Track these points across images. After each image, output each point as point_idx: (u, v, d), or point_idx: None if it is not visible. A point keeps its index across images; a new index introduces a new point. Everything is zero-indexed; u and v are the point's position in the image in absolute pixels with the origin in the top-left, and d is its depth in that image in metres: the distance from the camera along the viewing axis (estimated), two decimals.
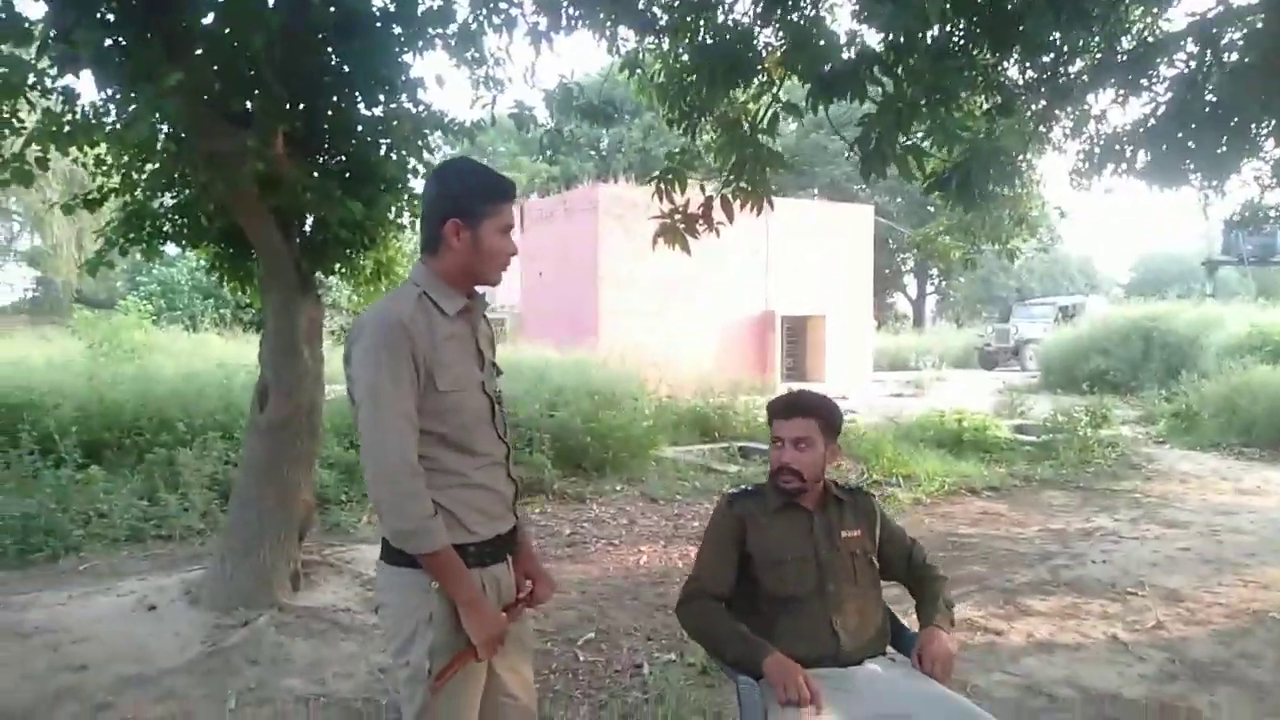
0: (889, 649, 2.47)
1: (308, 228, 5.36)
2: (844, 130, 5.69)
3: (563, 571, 5.41)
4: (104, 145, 4.20)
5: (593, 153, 38.12)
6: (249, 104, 4.48)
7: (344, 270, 6.19)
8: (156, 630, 4.18)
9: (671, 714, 3.41)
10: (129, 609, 4.44)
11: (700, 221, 5.66)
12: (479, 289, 2.06)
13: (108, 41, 3.70)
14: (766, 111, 5.32)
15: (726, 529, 2.43)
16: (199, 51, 4.03)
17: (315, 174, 5.04)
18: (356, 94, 5.14)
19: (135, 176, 4.91)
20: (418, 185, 5.92)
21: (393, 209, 5.82)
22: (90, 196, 5.01)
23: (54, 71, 3.68)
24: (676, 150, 5.90)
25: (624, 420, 8.97)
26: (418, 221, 5.96)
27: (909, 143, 4.71)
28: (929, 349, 28.00)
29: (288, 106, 4.70)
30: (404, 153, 5.63)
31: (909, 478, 8.41)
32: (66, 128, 3.78)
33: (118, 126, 3.92)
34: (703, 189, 5.75)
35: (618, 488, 7.93)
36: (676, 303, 16.43)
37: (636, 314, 15.91)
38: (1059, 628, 4.50)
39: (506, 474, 2.04)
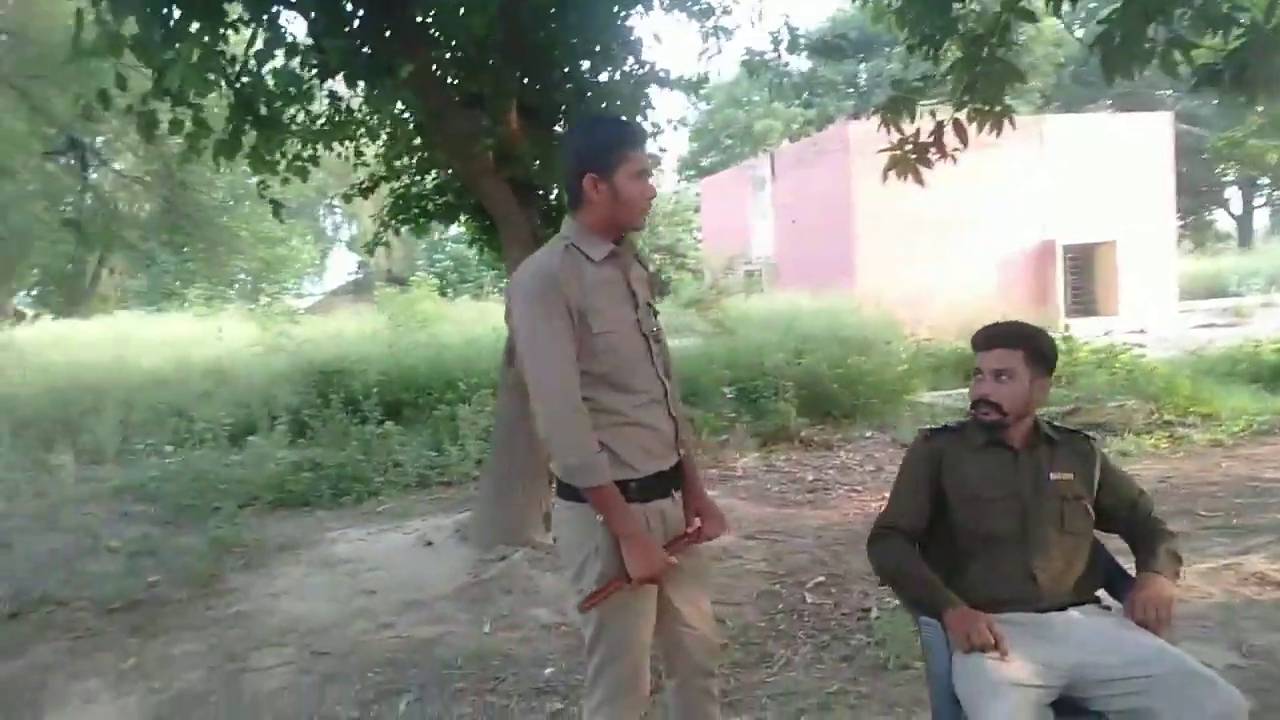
0: (1104, 596, 2.27)
1: (552, 196, 5.68)
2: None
3: (800, 518, 5.42)
4: (364, 138, 4.72)
5: (850, 90, 36.67)
6: (480, 85, 4.83)
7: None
8: (432, 563, 4.75)
9: (893, 658, 3.35)
10: (412, 545, 5.08)
11: (933, 149, 5.33)
12: (629, 235, 2.14)
13: (352, 45, 4.16)
14: (999, 21, 4.87)
15: (921, 464, 2.33)
16: (429, 42, 4.41)
17: (546, 144, 5.34)
18: (581, 62, 5.36)
19: (396, 164, 5.50)
20: (652, 147, 6.13)
21: None
22: (364, 186, 5.69)
23: (315, 78, 4.21)
24: (917, 78, 5.53)
25: (875, 365, 8.71)
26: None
27: (1171, 34, 4.14)
28: (1255, 271, 24.29)
29: (520, 82, 5.02)
30: (631, 114, 5.82)
31: (1208, 417, 7.45)
32: (327, 126, 4.30)
33: (368, 121, 4.41)
34: (933, 115, 5.39)
35: (867, 434, 7.75)
36: (941, 240, 15.55)
37: (897, 255, 15.27)
38: None
39: (667, 412, 2.10)
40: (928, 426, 2.45)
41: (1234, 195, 40.81)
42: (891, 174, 5.40)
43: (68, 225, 20.11)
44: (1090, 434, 2.38)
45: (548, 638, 3.80)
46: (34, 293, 31.03)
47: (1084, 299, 16.99)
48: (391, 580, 4.56)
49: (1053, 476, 2.24)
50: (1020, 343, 2.27)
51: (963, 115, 5.15)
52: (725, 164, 32.01)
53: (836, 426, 7.99)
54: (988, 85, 5.08)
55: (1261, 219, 42.37)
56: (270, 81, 4.05)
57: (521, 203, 5.21)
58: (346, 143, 4.58)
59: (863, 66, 35.54)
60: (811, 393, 8.06)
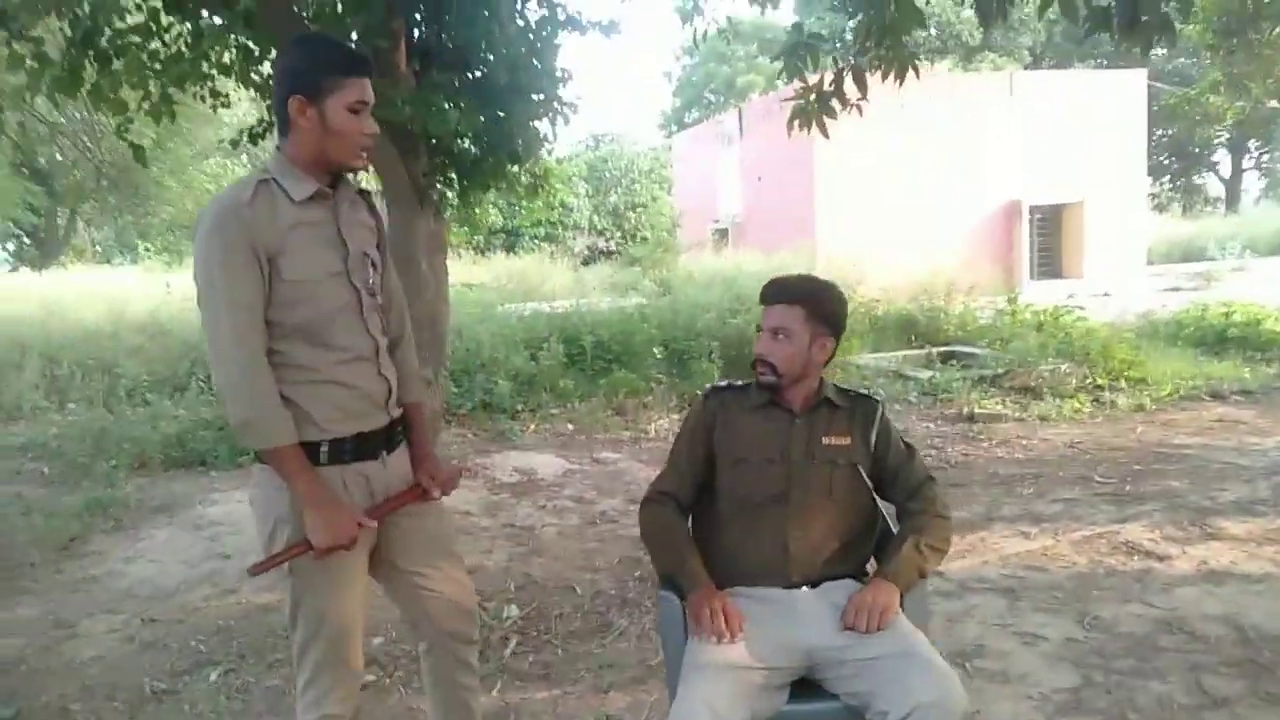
0: (873, 568, 2.13)
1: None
2: None
3: None
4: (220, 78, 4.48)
5: (837, 45, 36.08)
6: (344, 22, 4.59)
7: (500, 185, 6.30)
8: None
9: None
10: None
11: (834, 99, 5.10)
12: (350, 177, 1.96)
13: None
14: None
15: (698, 423, 2.18)
16: None
17: (440, 91, 5.11)
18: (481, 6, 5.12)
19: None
20: (568, 96, 5.89)
21: (536, 122, 5.82)
22: (254, 131, 5.43)
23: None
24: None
25: None
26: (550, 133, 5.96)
27: None
28: (1234, 235, 24.03)
29: (402, 19, 4.77)
30: (535, 62, 5.60)
31: (1140, 382, 7.32)
32: (169, 62, 4.07)
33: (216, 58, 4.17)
34: (835, 63, 5.16)
35: None
36: (906, 199, 15.29)
37: (857, 214, 15.02)
38: (1248, 555, 3.73)
39: (377, 370, 1.92)
40: (712, 383, 2.28)
41: (1223, 158, 40.44)
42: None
43: (33, 176, 19.86)
44: (876, 396, 2.21)
45: (388, 608, 3.66)
46: (9, 245, 30.69)
47: (1050, 261, 16.79)
48: (251, 545, 4.40)
49: (825, 441, 2.08)
50: (801, 300, 2.10)
51: (864, 63, 4.91)
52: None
53: None
54: (888, 31, 4.84)
55: (1252, 183, 42.01)
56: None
57: (403, 153, 4.99)
58: (202, 83, 4.34)
59: (852, 23, 34.92)
60: (740, 353, 7.88)
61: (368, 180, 5.68)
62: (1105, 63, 29.50)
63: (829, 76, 5.10)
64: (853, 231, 14.72)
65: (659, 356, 8.04)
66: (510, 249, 18.63)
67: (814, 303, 2.10)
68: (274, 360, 1.79)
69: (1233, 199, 39.30)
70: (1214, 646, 2.95)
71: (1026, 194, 16.03)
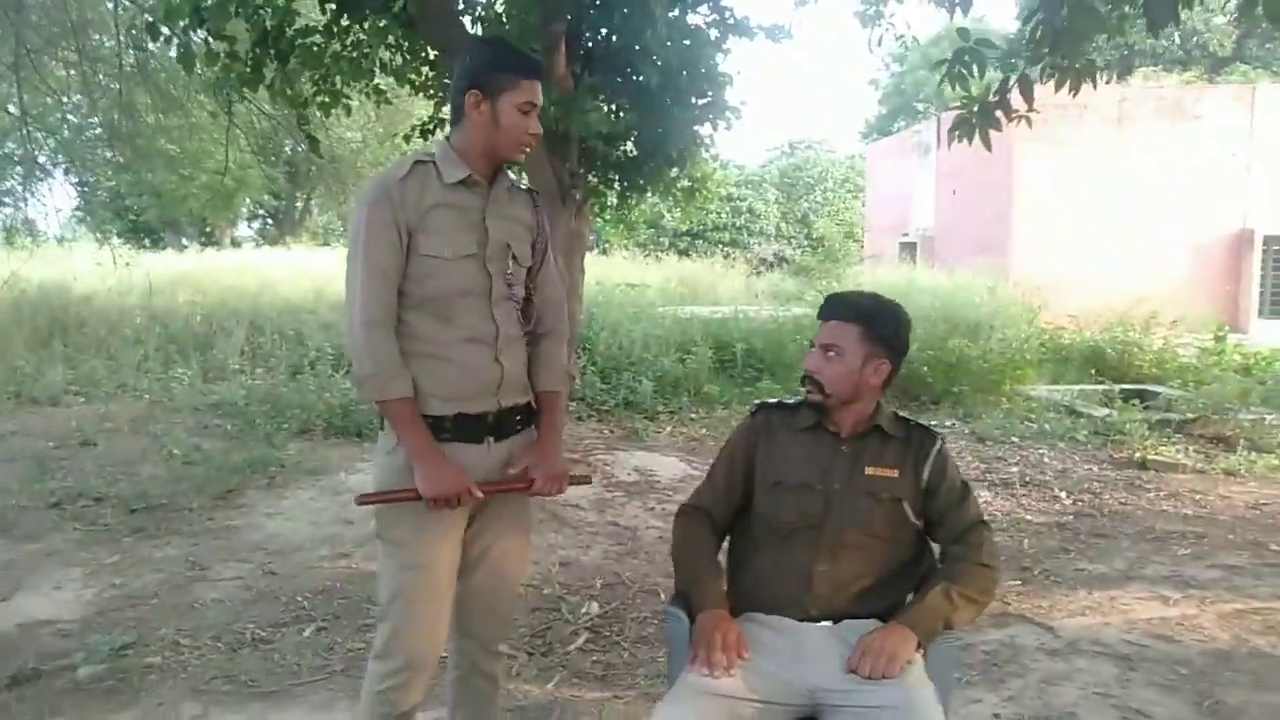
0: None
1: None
2: None
3: None
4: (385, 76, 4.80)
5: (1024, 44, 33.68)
6: (508, 26, 4.79)
7: (659, 188, 6.39)
8: None
9: None
10: None
11: (999, 110, 4.77)
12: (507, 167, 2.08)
13: None
14: None
15: (741, 440, 2.10)
16: None
17: (597, 93, 5.23)
18: (640, 10, 5.20)
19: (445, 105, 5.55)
20: (732, 99, 5.89)
21: (698, 126, 5.87)
22: (424, 126, 5.79)
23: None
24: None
25: (980, 351, 8.04)
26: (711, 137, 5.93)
27: None
28: None
29: (567, 24, 4.92)
30: (709, 64, 5.65)
31: None
32: (339, 61, 4.40)
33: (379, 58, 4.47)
34: (1003, 70, 4.83)
35: (948, 423, 7.18)
36: (1116, 221, 14.06)
37: (1058, 234, 13.96)
38: None
39: (494, 357, 1.98)
40: (759, 400, 2.19)
41: None
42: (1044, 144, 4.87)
43: (277, 164, 22.06)
44: (937, 430, 2.05)
45: None
46: (254, 225, 34.31)
47: None
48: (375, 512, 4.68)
49: (869, 471, 1.96)
50: (858, 317, 1.97)
51: (1036, 72, 4.57)
52: None
53: (917, 412, 7.45)
54: (1067, 37, 4.47)
55: None
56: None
57: (550, 152, 5.14)
58: (365, 80, 4.66)
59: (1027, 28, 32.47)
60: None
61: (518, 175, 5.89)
62: None
63: (994, 86, 4.79)
64: (1050, 253, 13.70)
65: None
66: (686, 252, 18.75)
67: (871, 321, 1.96)
68: (399, 330, 1.91)
69: None
70: None
71: (1261, 222, 14.32)
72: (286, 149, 22.95)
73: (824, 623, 1.90)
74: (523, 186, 2.12)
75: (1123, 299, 11.81)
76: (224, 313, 10.29)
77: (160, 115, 11.83)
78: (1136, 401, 7.54)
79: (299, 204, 28.59)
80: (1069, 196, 14.08)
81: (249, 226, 34.25)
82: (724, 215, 20.61)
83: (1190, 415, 6.96)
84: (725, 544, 2.11)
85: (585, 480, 2.45)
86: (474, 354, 1.95)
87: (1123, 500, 5.20)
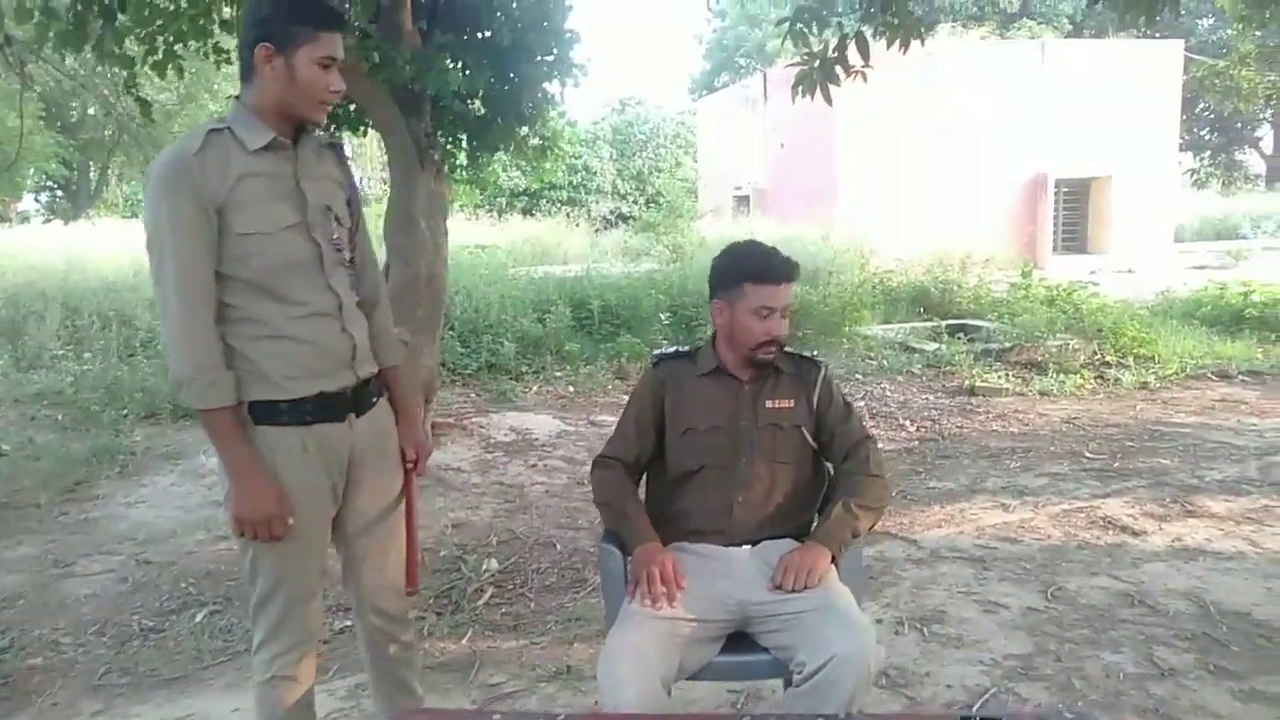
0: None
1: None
2: None
3: None
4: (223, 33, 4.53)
5: (844, 11, 35.35)
6: None
7: (509, 146, 6.33)
8: None
9: None
10: None
11: (838, 66, 5.06)
12: (310, 127, 1.89)
13: None
14: None
15: (647, 391, 2.21)
16: None
17: (445, 49, 5.12)
18: None
19: None
20: (579, 58, 5.89)
21: (546, 83, 5.84)
22: None
23: None
24: None
25: (821, 295, 8.53)
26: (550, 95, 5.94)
27: None
28: (1269, 214, 23.51)
29: None
30: (544, 23, 5.61)
31: (1148, 359, 7.25)
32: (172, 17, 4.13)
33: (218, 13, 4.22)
34: (840, 28, 5.11)
35: None
36: (930, 169, 15.09)
37: (881, 183, 14.85)
38: (1223, 533, 3.73)
39: (341, 328, 1.88)
40: (657, 352, 2.30)
41: (1267, 134, 39.34)
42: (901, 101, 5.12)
43: (65, 130, 20.11)
44: (819, 358, 2.23)
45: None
46: (43, 198, 31.13)
47: (1075, 236, 16.52)
48: None
49: (770, 404, 2.12)
50: (797, 276, 2.14)
51: (868, 30, 4.87)
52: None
53: None
54: None
55: None
56: None
57: (406, 111, 5.02)
58: (203, 39, 4.38)
59: None
60: None
61: (361, 142, 5.73)
62: (1146, 33, 28.72)
63: (833, 43, 5.07)
64: (874, 201, 14.58)
65: (665, 322, 8.09)
66: (529, 211, 18.62)
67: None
68: (230, 315, 1.77)
69: (1274, 176, 38.28)
70: (1172, 620, 2.98)
71: (1053, 167, 15.75)
72: (73, 113, 20.99)
73: (745, 546, 2.08)
74: (325, 141, 1.95)
75: (940, 242, 12.78)
76: (30, 294, 9.40)
77: None
78: (960, 335, 8.25)
79: (93, 174, 26.22)
80: (886, 148, 14.96)
81: (36, 200, 31.10)
82: (561, 173, 20.57)
83: (1007, 344, 7.69)
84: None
85: None
86: (320, 328, 1.84)
87: (958, 424, 5.73)
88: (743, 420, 2.11)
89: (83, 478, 4.85)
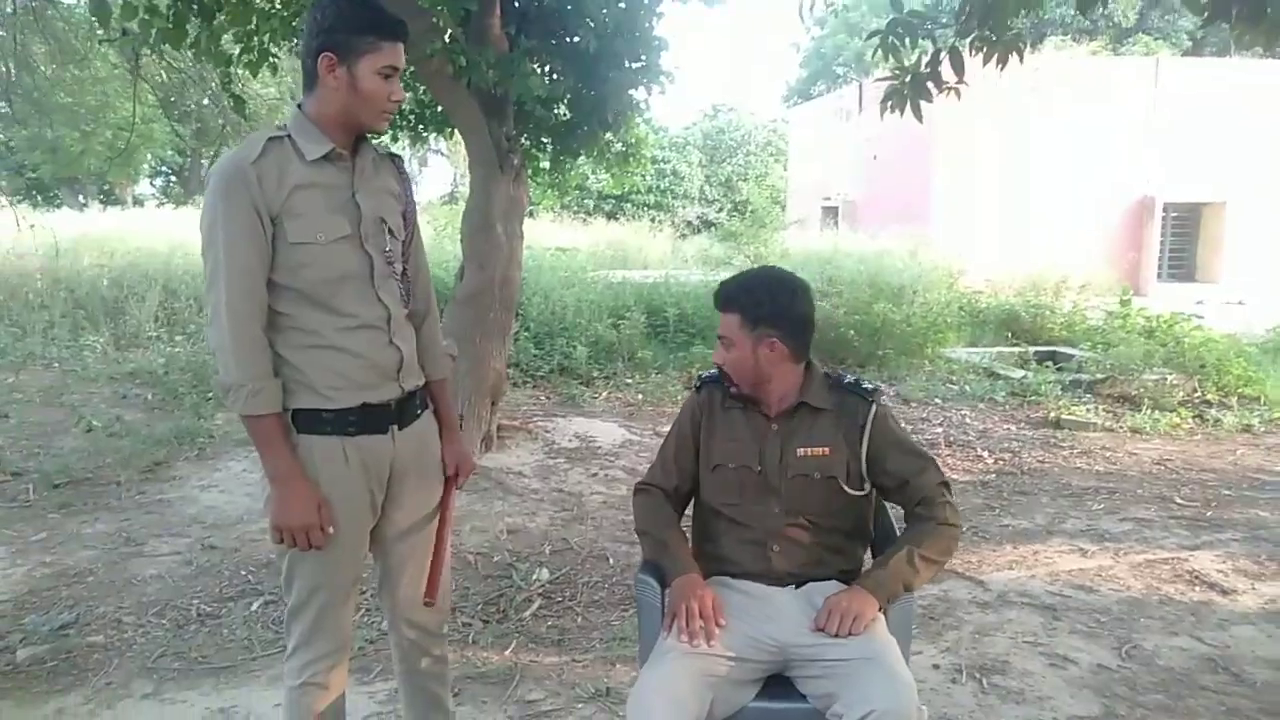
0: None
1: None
2: None
3: None
4: None
5: (939, 25, 34.39)
6: None
7: (592, 151, 6.34)
8: None
9: None
10: None
11: (930, 83, 4.89)
12: (370, 138, 1.92)
13: None
14: None
15: (687, 417, 2.13)
16: None
17: (532, 54, 5.15)
18: None
19: None
20: (667, 65, 5.87)
21: (632, 90, 5.83)
22: None
23: None
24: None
25: (905, 314, 8.29)
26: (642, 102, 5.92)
27: None
28: None
29: None
30: (632, 30, 5.60)
31: (1253, 400, 6.82)
32: (267, 17, 4.24)
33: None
34: (933, 43, 4.94)
35: None
36: (1030, 188, 14.55)
37: (977, 200, 14.39)
38: None
39: (388, 340, 1.88)
40: (703, 373, 2.19)
41: None
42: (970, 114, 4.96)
43: (182, 119, 21.08)
44: (870, 388, 2.04)
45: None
46: (158, 182, 32.74)
47: (1183, 263, 15.69)
48: None
49: (800, 453, 1.98)
50: (734, 304, 1.98)
51: (964, 45, 4.68)
52: None
53: None
54: (994, 11, 4.60)
55: None
56: None
57: (489, 115, 5.05)
58: (295, 39, 4.50)
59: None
60: (823, 338, 7.73)
61: (452, 145, 5.80)
62: (1269, 53, 27.15)
63: (926, 58, 4.90)
64: (968, 219, 14.14)
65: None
66: (614, 215, 18.68)
67: (745, 305, 1.97)
68: (280, 323, 1.77)
69: None
70: (1258, 693, 2.75)
71: (1162, 190, 15.01)
72: (190, 104, 21.99)
73: (789, 586, 1.98)
74: (384, 152, 1.95)
75: (1034, 264, 12.32)
76: (134, 276, 9.83)
77: (57, 67, 11.16)
78: (1049, 363, 7.91)
79: (205, 161, 27.43)
80: (985, 165, 14.49)
81: (151, 184, 32.70)
82: (648, 178, 20.57)
83: (1099, 376, 7.33)
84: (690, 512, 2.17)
85: None
86: (368, 340, 1.84)
87: (1040, 458, 5.47)
88: (769, 467, 1.98)
89: (162, 458, 5.03)
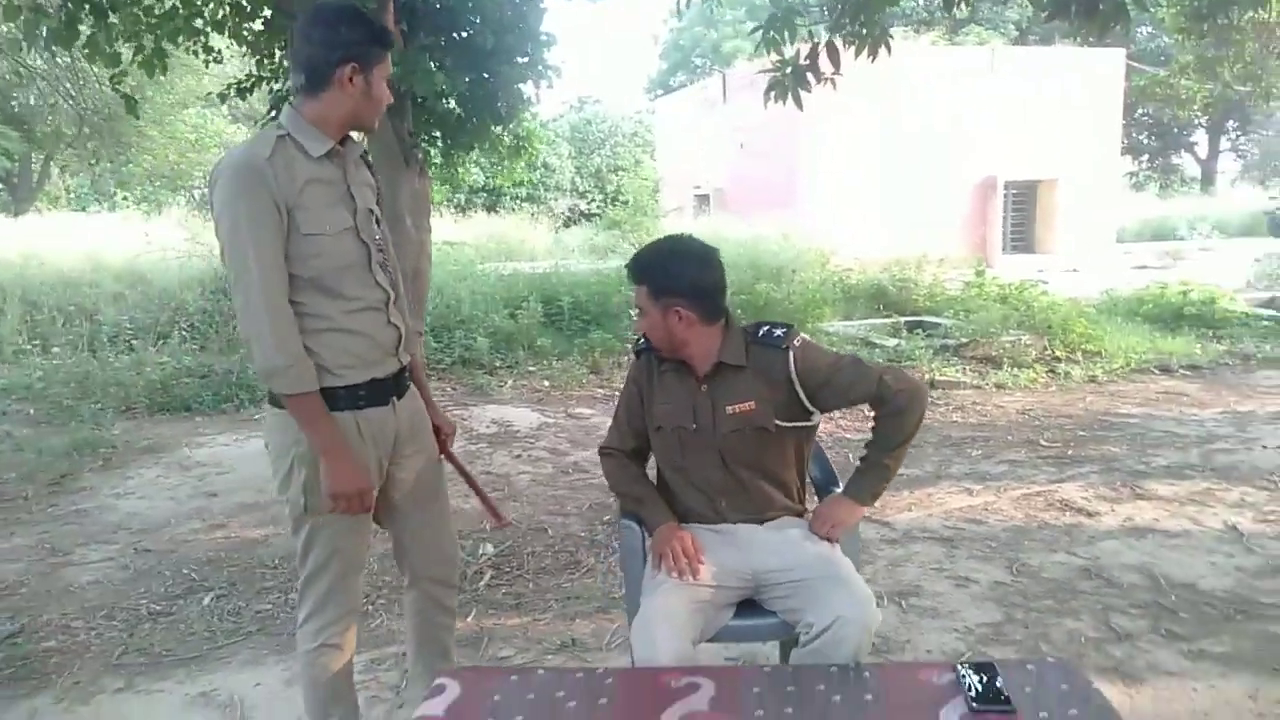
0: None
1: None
2: None
3: None
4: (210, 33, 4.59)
5: (815, 19, 35.91)
6: None
7: (484, 145, 6.44)
8: None
9: None
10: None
11: (809, 73, 5.28)
12: (355, 135, 2.09)
13: None
14: None
15: (631, 382, 2.31)
16: None
17: (425, 51, 5.23)
18: None
19: (268, 64, 5.36)
20: (553, 59, 6.04)
21: (521, 84, 5.96)
22: (241, 85, 5.55)
23: None
24: None
25: (783, 294, 8.78)
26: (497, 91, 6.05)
27: None
28: (1204, 216, 24.47)
29: None
30: (520, 25, 5.74)
31: (1095, 354, 7.62)
32: (163, 17, 4.19)
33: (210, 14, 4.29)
34: (809, 37, 5.33)
35: None
36: (887, 170, 15.49)
37: (840, 184, 15.21)
38: (1171, 513, 4.02)
39: (387, 320, 2.05)
40: (639, 340, 2.31)
41: (1201, 139, 40.81)
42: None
43: (8, 121, 19.59)
44: (781, 332, 2.14)
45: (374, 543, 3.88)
46: None
47: (1024, 236, 17.09)
48: (237, 484, 4.62)
49: (729, 410, 2.12)
50: (642, 276, 2.12)
51: (838, 39, 5.09)
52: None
53: None
54: (864, 8, 5.03)
55: (1229, 164, 42.35)
56: None
57: (390, 113, 5.10)
58: (196, 39, 4.45)
59: None
60: None
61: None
62: (1090, 42, 29.63)
63: (804, 50, 5.28)
64: (833, 201, 14.93)
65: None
66: (491, 209, 18.66)
67: (654, 277, 2.10)
68: (294, 310, 1.89)
69: (1208, 180, 39.73)
70: (1126, 591, 3.24)
71: (1002, 169, 16.27)
72: (23, 104, 20.46)
73: (750, 524, 2.24)
74: (360, 150, 2.08)
75: (896, 242, 13.16)
76: None
77: None
78: (918, 331, 8.56)
79: (35, 165, 25.54)
80: (844, 149, 15.33)
81: None
82: (520, 170, 20.61)
83: (963, 340, 8.00)
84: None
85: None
86: (371, 320, 2.00)
87: None
88: (703, 425, 2.14)
89: (67, 470, 4.88)
